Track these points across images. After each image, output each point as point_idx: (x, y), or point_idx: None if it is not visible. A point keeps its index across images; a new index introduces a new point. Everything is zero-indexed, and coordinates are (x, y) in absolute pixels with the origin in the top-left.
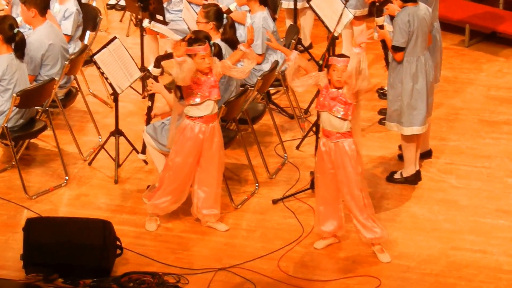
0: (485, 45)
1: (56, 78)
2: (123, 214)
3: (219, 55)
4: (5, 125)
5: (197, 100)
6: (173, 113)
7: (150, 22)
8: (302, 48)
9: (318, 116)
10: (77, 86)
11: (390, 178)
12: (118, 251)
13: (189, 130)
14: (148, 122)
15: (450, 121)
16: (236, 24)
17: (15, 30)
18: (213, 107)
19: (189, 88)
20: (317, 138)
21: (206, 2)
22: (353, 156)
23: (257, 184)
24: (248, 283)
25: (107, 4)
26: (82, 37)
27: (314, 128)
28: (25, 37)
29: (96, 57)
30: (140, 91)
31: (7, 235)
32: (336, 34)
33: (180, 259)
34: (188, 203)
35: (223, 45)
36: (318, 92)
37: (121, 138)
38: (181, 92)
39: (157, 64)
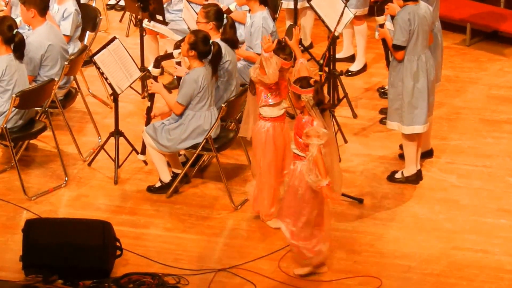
0: (487, 44)
1: (56, 79)
2: (122, 215)
3: (218, 55)
4: (5, 126)
5: (272, 101)
6: (250, 106)
7: (150, 22)
8: (302, 48)
9: None
10: (76, 87)
11: (391, 178)
12: (118, 252)
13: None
14: (148, 122)
15: (451, 120)
16: (236, 24)
17: (14, 31)
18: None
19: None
20: None
21: (206, 2)
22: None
23: None
24: (248, 284)
25: (107, 4)
26: (81, 38)
27: None
28: (25, 37)
29: (95, 58)
30: (140, 92)
31: (6, 236)
32: (336, 34)
33: (180, 259)
34: (186, 203)
35: (223, 45)
36: None
37: (121, 139)
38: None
39: (157, 64)
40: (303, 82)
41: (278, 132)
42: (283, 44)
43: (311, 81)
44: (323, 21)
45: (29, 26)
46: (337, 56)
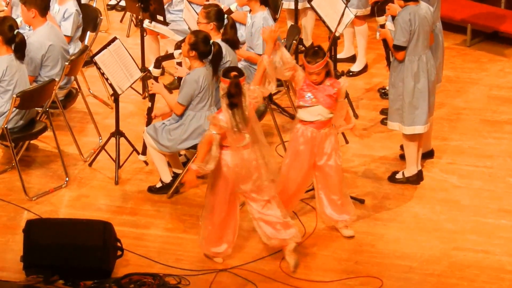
0: (487, 45)
1: (56, 79)
2: (123, 215)
3: (219, 55)
4: (5, 126)
5: (301, 103)
6: None
7: (150, 23)
8: (303, 48)
9: None
10: (77, 87)
11: (392, 178)
12: (119, 253)
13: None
14: (148, 122)
15: (452, 121)
16: (237, 24)
17: (15, 31)
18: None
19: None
20: None
21: (207, 3)
22: None
23: None
24: (249, 284)
25: (108, 5)
26: (82, 38)
27: None
28: (25, 38)
29: (96, 58)
30: (141, 92)
31: (7, 236)
32: (337, 34)
33: (181, 260)
34: (187, 203)
35: (223, 45)
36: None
37: (122, 139)
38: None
39: (158, 65)
40: (227, 72)
41: (303, 138)
42: (308, 47)
43: (232, 74)
44: (323, 22)
45: (29, 26)
46: (338, 56)
